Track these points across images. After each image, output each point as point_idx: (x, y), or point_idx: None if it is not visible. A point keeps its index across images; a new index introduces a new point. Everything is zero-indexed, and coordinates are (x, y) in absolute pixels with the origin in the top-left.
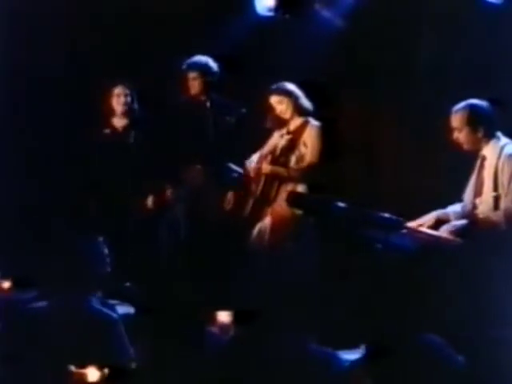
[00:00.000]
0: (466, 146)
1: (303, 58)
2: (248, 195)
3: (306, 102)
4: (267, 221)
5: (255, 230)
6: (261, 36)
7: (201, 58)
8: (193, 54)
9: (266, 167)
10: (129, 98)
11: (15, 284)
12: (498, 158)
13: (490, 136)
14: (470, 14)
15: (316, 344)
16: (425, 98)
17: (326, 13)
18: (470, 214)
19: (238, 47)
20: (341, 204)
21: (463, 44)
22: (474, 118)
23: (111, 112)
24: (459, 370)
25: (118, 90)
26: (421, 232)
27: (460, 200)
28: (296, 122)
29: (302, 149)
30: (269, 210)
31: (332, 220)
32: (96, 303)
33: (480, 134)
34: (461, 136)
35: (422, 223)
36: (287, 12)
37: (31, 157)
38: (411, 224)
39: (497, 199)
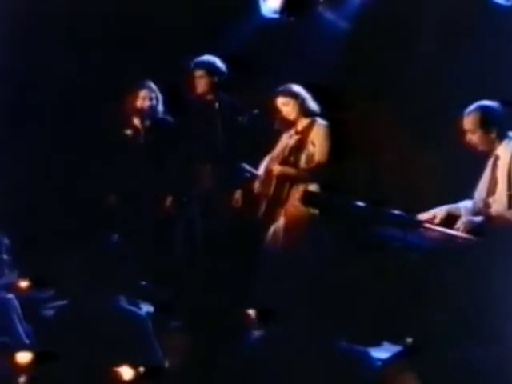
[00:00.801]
0: (480, 148)
1: (308, 59)
2: (260, 196)
3: (312, 104)
4: (281, 222)
5: (270, 232)
6: (267, 38)
7: (209, 58)
8: (201, 55)
9: (277, 168)
10: (154, 101)
11: (35, 284)
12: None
13: (502, 136)
14: (477, 14)
15: (346, 342)
16: (429, 99)
17: (330, 15)
18: (483, 212)
19: (245, 49)
20: (359, 203)
21: (469, 45)
22: (487, 120)
23: (133, 113)
24: None
25: (143, 93)
26: (436, 230)
27: (469, 197)
28: (303, 123)
29: (311, 148)
30: (282, 211)
31: (349, 219)
32: (124, 302)
33: (493, 135)
34: (474, 138)
35: (434, 216)
36: (292, 14)
37: (52, 157)
38: (423, 215)
39: (510, 198)
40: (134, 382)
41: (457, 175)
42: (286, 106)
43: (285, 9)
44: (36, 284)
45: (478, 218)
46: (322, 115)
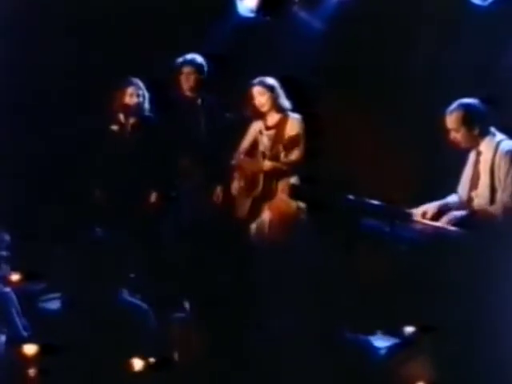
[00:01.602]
0: (463, 145)
1: (284, 57)
2: (244, 193)
3: (285, 102)
4: (266, 216)
5: (253, 226)
6: (244, 36)
7: (195, 56)
8: (183, 53)
9: (267, 164)
10: (140, 98)
11: (27, 277)
12: (494, 153)
13: (484, 132)
14: (455, 14)
15: (351, 332)
16: (406, 94)
17: (304, 14)
18: (466, 206)
19: (223, 47)
20: (349, 196)
21: (446, 44)
22: (469, 118)
23: (120, 109)
24: None
25: (131, 90)
26: (424, 223)
27: (453, 192)
28: (273, 118)
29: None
30: (266, 206)
31: (338, 211)
32: (126, 295)
33: (476, 132)
34: (458, 136)
35: (426, 212)
36: (268, 13)
37: (39, 152)
38: (416, 211)
39: (493, 193)
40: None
41: (436, 170)
42: (261, 96)
43: (261, 8)
44: (28, 277)
45: (462, 213)
46: (294, 110)
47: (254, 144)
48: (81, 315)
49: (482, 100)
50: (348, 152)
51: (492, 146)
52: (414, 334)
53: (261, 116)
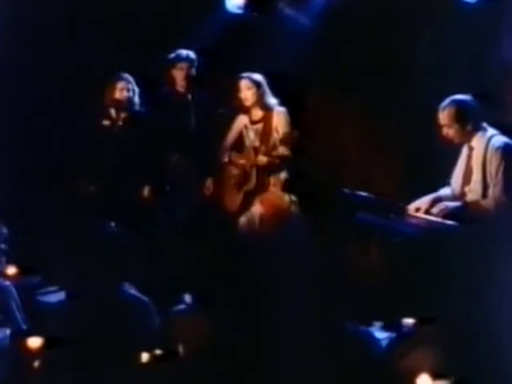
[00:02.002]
0: (456, 141)
1: (271, 53)
2: (235, 187)
3: (271, 99)
4: (257, 209)
5: (242, 219)
6: (232, 33)
7: (188, 51)
8: (171, 49)
9: (263, 159)
10: (131, 93)
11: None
12: (486, 149)
13: (477, 128)
14: (446, 11)
15: (353, 324)
16: (392, 88)
17: (291, 11)
18: (459, 200)
19: (211, 43)
20: (345, 190)
21: (435, 40)
22: (462, 114)
23: (111, 104)
24: None
25: (121, 85)
26: (418, 217)
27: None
28: (258, 113)
29: (275, 135)
30: (257, 199)
31: (333, 205)
32: (128, 288)
33: (469, 128)
34: (451, 132)
35: (420, 206)
36: (255, 10)
37: (31, 147)
38: (410, 206)
39: (485, 189)
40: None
41: (428, 164)
42: (248, 90)
43: (248, 5)
44: (24, 271)
45: (454, 204)
46: (281, 105)
47: (239, 138)
48: (81, 309)
49: (475, 96)
50: (338, 147)
51: (483, 141)
52: (413, 325)
53: (245, 110)
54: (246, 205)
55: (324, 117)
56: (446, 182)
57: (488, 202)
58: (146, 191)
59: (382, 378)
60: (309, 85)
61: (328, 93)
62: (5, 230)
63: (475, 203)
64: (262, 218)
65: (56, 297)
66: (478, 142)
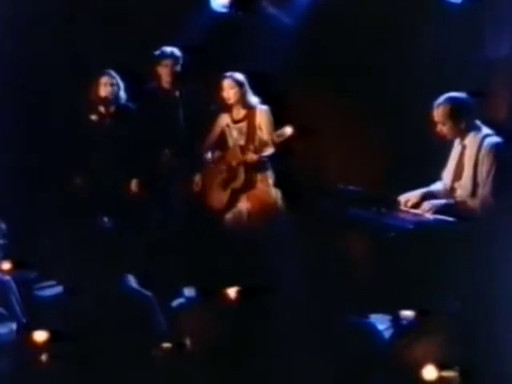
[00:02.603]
0: (450, 138)
1: (255, 51)
2: (222, 185)
3: (252, 98)
4: (244, 205)
5: (229, 215)
6: (217, 31)
7: (173, 49)
8: (159, 45)
9: (253, 157)
10: (115, 87)
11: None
12: (479, 148)
13: (470, 126)
14: (431, 11)
15: (355, 317)
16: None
17: (273, 10)
18: (449, 195)
19: (197, 41)
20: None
21: (421, 40)
22: (456, 111)
23: (98, 99)
24: None
25: (105, 79)
26: (405, 211)
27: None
28: (240, 112)
29: (259, 133)
30: (245, 196)
31: (323, 201)
32: (132, 282)
33: (463, 126)
34: (445, 129)
35: (408, 199)
36: (240, 9)
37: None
38: (400, 198)
39: (475, 187)
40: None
41: (420, 159)
42: (230, 89)
43: (233, 4)
44: (19, 266)
45: (442, 202)
46: (263, 103)
47: (221, 137)
48: (81, 303)
49: (470, 94)
50: (322, 145)
51: (477, 141)
52: (412, 317)
53: (227, 109)
54: (233, 202)
55: (308, 115)
56: (437, 176)
57: (475, 202)
58: (133, 185)
59: (387, 370)
60: (291, 83)
61: (311, 91)
62: (3, 226)
63: (463, 203)
64: (249, 213)
65: (53, 291)
66: (471, 141)
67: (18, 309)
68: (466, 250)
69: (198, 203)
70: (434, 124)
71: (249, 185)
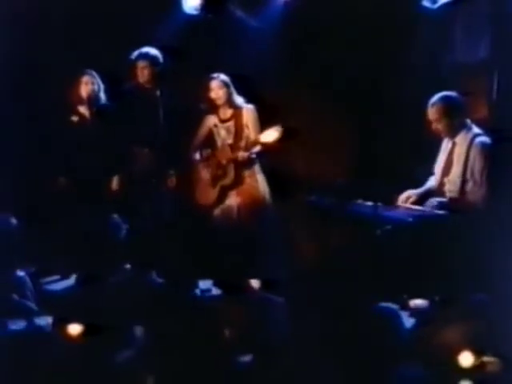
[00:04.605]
0: (443, 135)
1: (226, 53)
2: (211, 182)
3: (238, 98)
4: (234, 200)
5: (217, 211)
6: (190, 33)
7: (150, 49)
8: (136, 46)
9: (243, 154)
10: (96, 87)
11: None
12: (468, 147)
13: (462, 124)
14: (408, 16)
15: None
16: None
17: (240, 14)
18: (439, 190)
19: (172, 41)
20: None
21: (397, 45)
22: (450, 110)
23: (78, 100)
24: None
25: (86, 79)
26: (408, 207)
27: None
28: (227, 112)
29: (246, 131)
30: (234, 192)
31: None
32: (156, 277)
33: (456, 124)
34: (440, 126)
35: (409, 196)
36: (210, 12)
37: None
38: (401, 196)
39: (463, 183)
40: None
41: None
42: (219, 89)
43: (204, 7)
44: None
45: (441, 200)
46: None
47: (208, 137)
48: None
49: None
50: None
51: (467, 139)
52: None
53: (214, 109)
54: (222, 198)
55: (295, 113)
56: (430, 172)
57: (474, 197)
58: (114, 183)
59: (413, 358)
60: (270, 83)
61: (285, 90)
62: (13, 220)
63: (458, 199)
64: (239, 209)
65: (63, 284)
66: (461, 138)
67: (32, 304)
68: (464, 243)
69: (177, 200)
70: (429, 122)
71: (238, 181)
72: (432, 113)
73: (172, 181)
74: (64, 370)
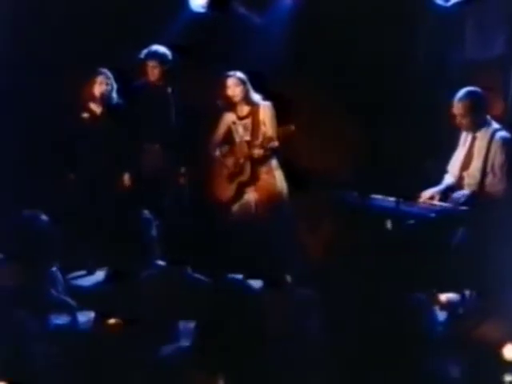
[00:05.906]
0: (466, 129)
1: (235, 48)
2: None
3: (255, 95)
4: (252, 196)
5: (236, 207)
6: (197, 30)
7: (159, 48)
8: (146, 44)
9: (259, 152)
10: (109, 87)
11: None
12: (489, 141)
13: (484, 119)
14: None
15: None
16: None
17: (244, 11)
18: (458, 184)
19: (180, 39)
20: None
21: (405, 41)
22: (477, 105)
23: (91, 98)
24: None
25: (100, 79)
26: (433, 204)
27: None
28: (244, 109)
29: (263, 128)
30: (251, 188)
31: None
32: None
33: (479, 118)
34: (464, 121)
35: (432, 195)
36: (216, 10)
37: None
38: (424, 194)
39: (483, 177)
40: None
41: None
42: (236, 87)
43: (210, 5)
44: None
45: (464, 193)
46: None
47: (227, 134)
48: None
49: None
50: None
51: (488, 134)
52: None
53: (232, 107)
54: (240, 194)
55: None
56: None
57: (488, 190)
58: (126, 179)
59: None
60: (277, 80)
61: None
62: (44, 217)
63: (481, 192)
64: (257, 204)
65: (91, 280)
66: (482, 133)
67: (63, 298)
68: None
69: (194, 196)
70: (452, 117)
71: (254, 178)
72: (458, 108)
73: (184, 178)
74: (110, 365)
